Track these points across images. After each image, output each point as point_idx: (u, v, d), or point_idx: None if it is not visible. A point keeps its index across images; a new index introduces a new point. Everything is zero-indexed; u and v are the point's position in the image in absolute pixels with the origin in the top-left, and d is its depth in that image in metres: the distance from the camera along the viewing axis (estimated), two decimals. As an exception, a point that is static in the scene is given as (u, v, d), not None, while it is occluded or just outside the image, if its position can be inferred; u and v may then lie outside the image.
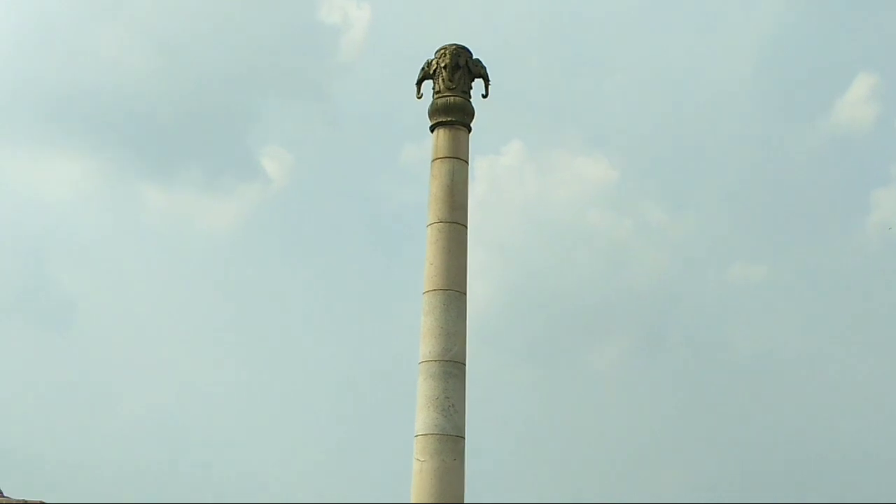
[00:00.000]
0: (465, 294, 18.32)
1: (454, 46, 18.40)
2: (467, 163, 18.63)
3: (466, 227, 18.45)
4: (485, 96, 18.74)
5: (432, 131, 18.48)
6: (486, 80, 18.66)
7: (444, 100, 18.24)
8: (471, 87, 18.49)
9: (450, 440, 17.32)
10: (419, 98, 18.71)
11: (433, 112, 18.39)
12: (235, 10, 59.72)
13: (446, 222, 18.08)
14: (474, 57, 18.52)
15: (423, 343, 17.89)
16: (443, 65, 18.28)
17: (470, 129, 18.53)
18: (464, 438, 17.68)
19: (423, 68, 18.61)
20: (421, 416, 17.49)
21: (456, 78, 18.27)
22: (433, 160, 18.49)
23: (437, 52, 18.51)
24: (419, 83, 18.68)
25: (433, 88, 18.44)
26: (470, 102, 18.45)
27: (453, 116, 18.22)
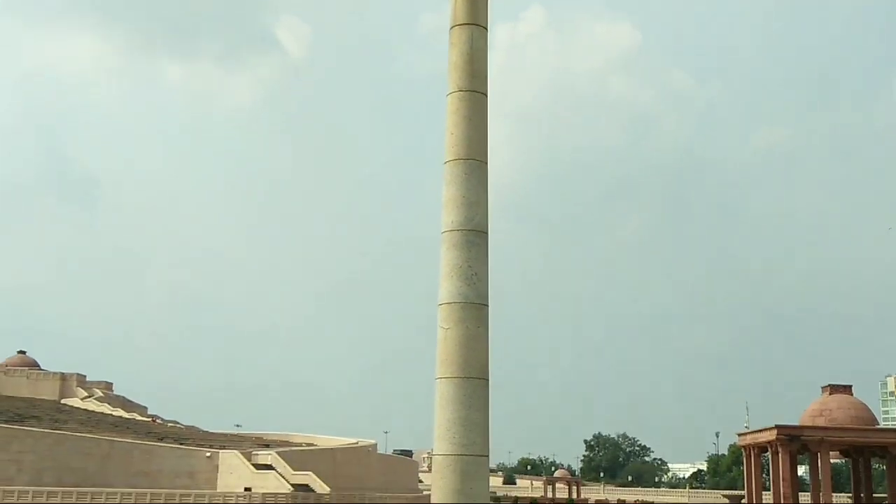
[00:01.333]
0: (486, 163, 18.25)
1: None
2: (486, 29, 18.29)
3: (486, 96, 18.24)
4: (503, -41, 18.20)
5: (450, -3, 18.09)
6: (505, -57, 18.10)
7: (462, -36, 17.80)
8: (489, -50, 18.01)
9: (473, 308, 17.54)
10: (436, -37, 18.24)
11: (451, -24, 17.97)
12: None
13: (466, 91, 17.88)
14: (492, -82, 17.96)
15: (445, 212, 17.94)
16: (460, -72, 17.76)
17: (489, -5, 18.14)
18: (487, 306, 17.90)
19: (439, -68, 18.06)
20: (445, 285, 17.69)
21: (473, -60, 17.77)
22: (452, 27, 18.14)
23: (453, -87, 17.95)
24: (436, -53, 18.19)
25: (451, -48, 17.96)
26: (488, -34, 18.00)
27: (471, -19, 17.82)
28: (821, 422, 38.95)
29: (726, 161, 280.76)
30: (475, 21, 17.99)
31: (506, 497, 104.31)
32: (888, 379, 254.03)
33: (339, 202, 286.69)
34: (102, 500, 51.50)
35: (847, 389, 40.88)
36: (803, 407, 41.35)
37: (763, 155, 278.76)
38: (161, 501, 51.91)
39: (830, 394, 40.59)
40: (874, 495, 45.60)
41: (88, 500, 51.54)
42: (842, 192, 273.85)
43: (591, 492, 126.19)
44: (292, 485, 60.33)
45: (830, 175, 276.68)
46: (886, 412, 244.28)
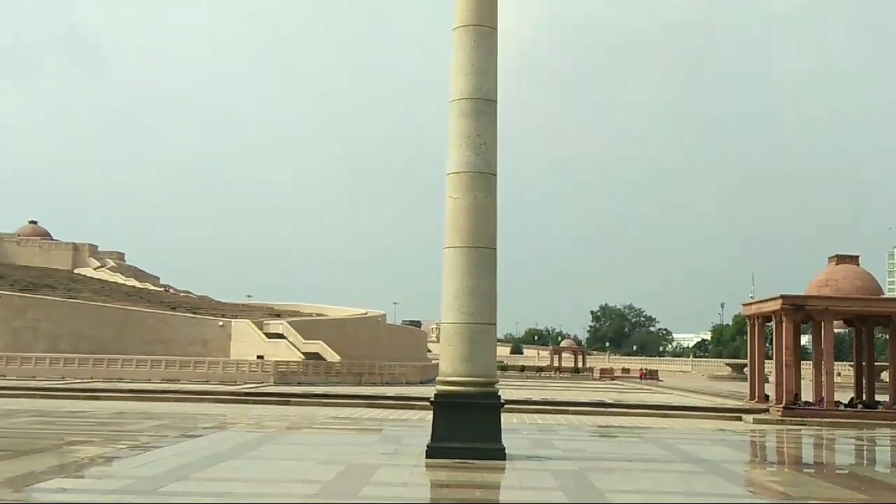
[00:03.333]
0: (496, 29, 17.95)
1: None
2: None
3: (496, -41, 17.83)
4: None
5: None
6: None
7: None
8: None
9: (482, 177, 17.54)
10: None
11: None
12: None
13: (475, -46, 17.47)
14: None
15: (453, 81, 17.75)
16: None
17: None
18: (495, 175, 17.89)
19: None
20: (453, 154, 17.64)
21: None
22: None
23: None
24: None
25: None
26: None
27: None
28: (826, 292, 39.28)
29: (740, 21, 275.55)
30: None
31: (513, 366, 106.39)
32: (895, 250, 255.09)
33: (350, 63, 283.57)
34: (119, 367, 52.68)
35: (854, 260, 41.05)
36: (810, 278, 41.64)
37: (779, 19, 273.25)
38: (176, 368, 53.07)
39: (837, 264, 40.79)
40: (875, 364, 46.36)
41: (105, 367, 52.72)
42: (859, 50, 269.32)
43: (597, 361, 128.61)
44: (303, 353, 61.52)
45: (847, 39, 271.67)
46: (892, 283, 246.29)
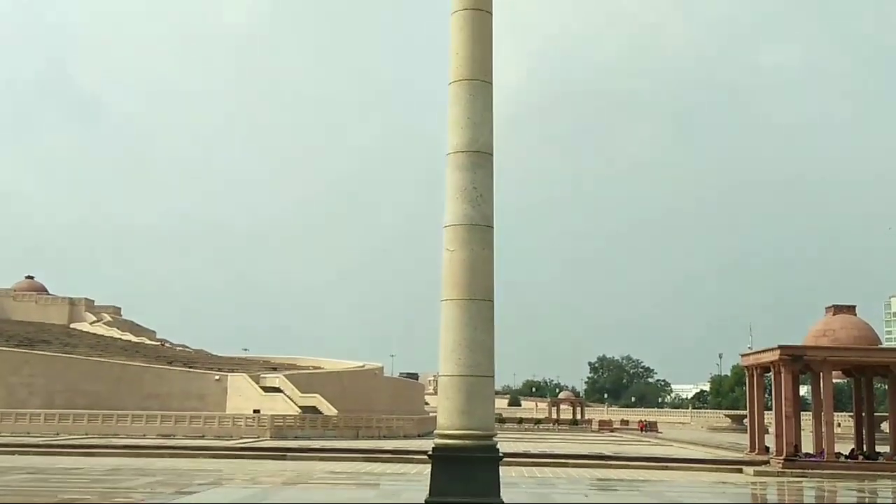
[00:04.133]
0: (491, 83, 18.08)
1: None
2: (490, -56, 17.97)
3: (491, 14, 17.99)
4: None
5: (453, -89, 17.72)
6: None
7: None
8: None
9: (479, 230, 17.55)
10: None
11: None
12: None
13: (471, 9, 17.64)
14: None
15: (450, 134, 17.84)
16: None
17: None
18: (492, 228, 17.91)
19: None
20: (450, 207, 17.67)
21: None
22: (455, -56, 17.83)
23: None
24: None
25: None
26: None
27: None
28: (824, 342, 39.21)
29: (735, 73, 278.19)
30: (479, -63, 17.65)
31: (511, 418, 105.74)
32: (892, 299, 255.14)
33: (346, 121, 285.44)
34: (114, 423, 52.31)
35: (851, 310, 41.05)
36: (808, 328, 41.60)
37: (773, 68, 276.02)
38: (172, 423, 52.71)
39: (834, 314, 40.78)
40: (875, 414, 46.14)
41: (100, 423, 52.34)
42: (850, 103, 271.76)
43: (595, 413, 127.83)
44: (300, 407, 61.14)
45: (839, 86, 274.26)
46: (890, 332, 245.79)
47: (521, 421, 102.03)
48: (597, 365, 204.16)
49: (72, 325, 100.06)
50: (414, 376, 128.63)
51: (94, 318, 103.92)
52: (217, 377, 66.34)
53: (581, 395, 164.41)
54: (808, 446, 39.91)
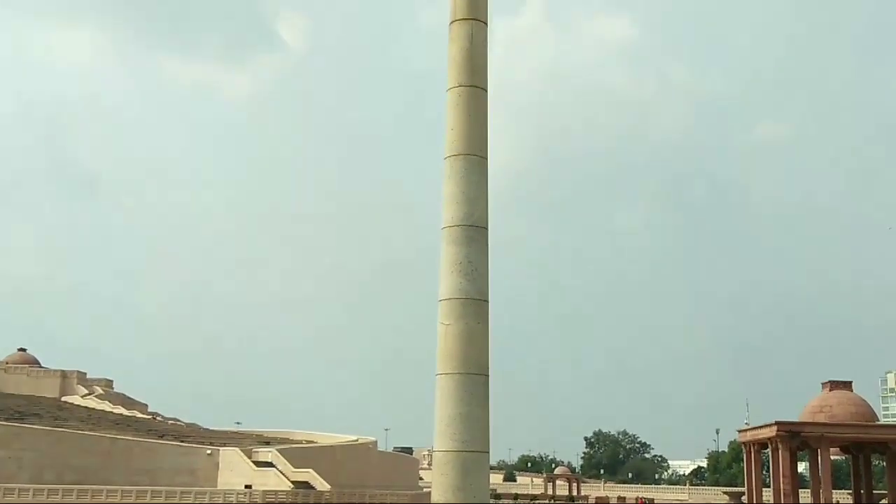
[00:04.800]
0: (486, 158, 18.23)
1: None
2: (486, 24, 18.25)
3: (486, 91, 18.22)
4: (503, -46, 18.12)
5: (450, -8, 18.05)
6: (505, -63, 18.04)
7: (461, -41, 17.76)
8: (489, -55, 17.96)
9: (473, 304, 17.52)
10: (436, -43, 18.19)
11: (450, -28, 17.93)
12: None
13: (466, 86, 17.85)
14: (491, -90, 17.92)
15: (445, 208, 17.92)
16: (459, -78, 17.72)
17: (488, -11, 18.10)
18: (487, 301, 17.88)
19: (439, -73, 18.01)
20: (445, 281, 17.67)
21: (473, -65, 17.73)
22: (451, 22, 18.11)
23: None
24: (435, -58, 18.13)
25: (450, -52, 17.92)
26: (488, -39, 17.95)
27: (471, -24, 17.77)
28: (821, 418, 38.95)
29: (726, 154, 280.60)
30: (475, 16, 17.96)
31: (506, 494, 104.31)
32: (888, 375, 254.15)
33: (337, 197, 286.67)
34: (103, 499, 51.52)
35: (847, 386, 40.88)
36: (804, 404, 41.36)
37: (764, 149, 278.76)
38: (162, 499, 51.92)
39: (831, 390, 40.61)
40: (874, 492, 45.60)
41: (89, 499, 51.55)
42: (843, 186, 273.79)
43: (592, 489, 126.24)
44: (293, 482, 60.34)
45: (832, 169, 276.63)
46: (886, 408, 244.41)
47: (516, 497, 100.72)
48: (593, 440, 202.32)
49: (63, 398, 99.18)
50: (408, 451, 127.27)
51: (86, 391, 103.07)
52: (209, 451, 65.56)
53: (577, 470, 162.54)
54: (807, 524, 39.43)
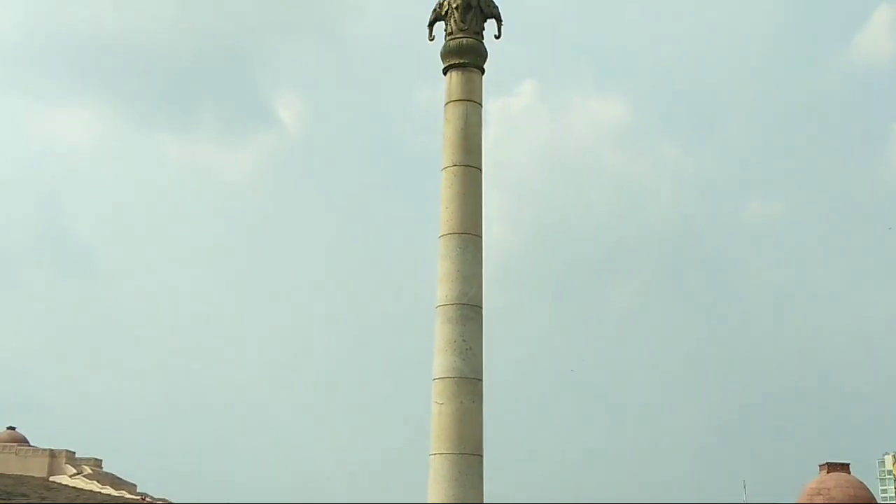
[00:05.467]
0: (481, 237, 18.27)
1: (466, -14, 18.11)
2: (481, 105, 18.43)
3: (481, 171, 18.32)
4: (497, 37, 18.38)
5: (445, 74, 18.26)
6: (499, 21, 18.31)
7: (456, 41, 18.00)
8: (483, 28, 18.20)
9: (468, 383, 17.39)
10: (431, 40, 18.43)
11: (446, 54, 18.15)
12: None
13: (461, 166, 17.97)
14: (487, -3, 18.24)
15: (440, 287, 17.90)
16: (455, 5, 17.98)
17: (483, 71, 18.30)
18: (482, 380, 17.75)
19: (434, 10, 18.30)
20: (439, 360, 17.56)
21: (468, 19, 18.00)
22: (446, 103, 18.29)
23: (448, -8, 18.22)
24: (431, 25, 18.39)
25: (445, 30, 18.17)
26: (482, 44, 18.18)
27: (466, 58, 18.00)
28: (819, 500, 38.47)
29: (719, 232, 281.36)
30: (470, 97, 18.15)
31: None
32: (886, 457, 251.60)
33: (333, 275, 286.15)
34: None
35: (845, 468, 40.45)
36: (801, 485, 40.88)
37: (756, 226, 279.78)
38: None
39: (828, 472, 40.17)
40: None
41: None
42: (836, 262, 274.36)
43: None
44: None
45: (824, 246, 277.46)
46: (885, 491, 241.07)
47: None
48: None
49: (51, 478, 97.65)
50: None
51: (74, 471, 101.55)
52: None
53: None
54: None
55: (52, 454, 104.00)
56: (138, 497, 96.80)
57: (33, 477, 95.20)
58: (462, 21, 17.99)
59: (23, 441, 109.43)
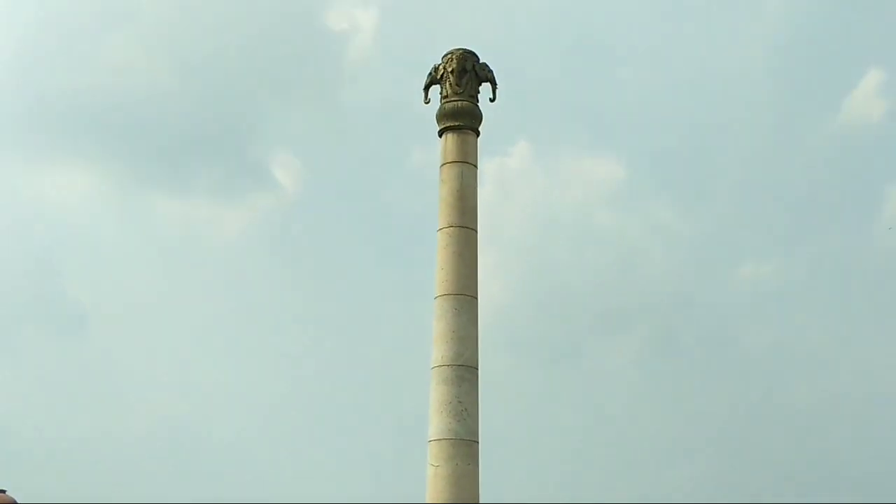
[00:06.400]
0: (477, 298, 18.26)
1: (461, 51, 18.36)
2: (476, 167, 18.58)
3: (476, 231, 18.38)
4: (492, 100, 18.61)
5: (440, 136, 18.44)
6: (494, 84, 18.56)
7: (451, 104, 18.21)
8: (478, 92, 18.44)
9: (464, 444, 17.28)
10: (427, 103, 18.66)
11: (441, 117, 18.36)
12: (242, 18, 59.86)
13: (456, 227, 18.04)
14: (481, 61, 18.46)
15: (435, 348, 17.85)
16: (450, 69, 18.24)
17: (478, 133, 18.50)
18: (478, 442, 17.64)
19: (430, 73, 18.55)
20: (434, 421, 17.46)
21: (463, 82, 18.24)
22: (442, 165, 18.44)
23: (444, 56, 18.46)
24: (427, 88, 18.63)
25: (441, 93, 18.40)
26: (478, 106, 18.40)
27: (461, 121, 18.20)
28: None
29: (715, 295, 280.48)
30: (465, 159, 18.30)
31: None
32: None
33: (327, 335, 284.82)
34: None
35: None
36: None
37: (752, 289, 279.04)
38: None
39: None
40: None
41: None
42: (835, 324, 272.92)
43: None
44: None
45: (822, 308, 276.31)
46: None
47: None
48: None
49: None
50: None
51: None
52: None
53: None
54: None
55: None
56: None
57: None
58: (457, 85, 18.22)
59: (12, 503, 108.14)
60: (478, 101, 18.47)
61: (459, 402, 17.41)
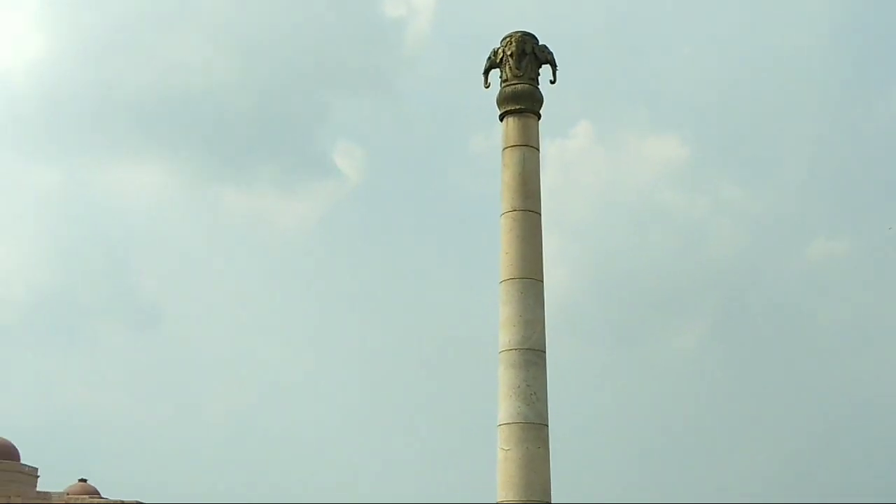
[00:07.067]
0: (542, 281, 18.20)
1: (520, 34, 18.24)
2: (538, 150, 18.47)
3: (540, 215, 18.29)
4: (553, 82, 18.47)
5: (501, 120, 18.38)
6: (554, 66, 18.41)
7: (511, 88, 18.12)
8: (538, 74, 18.31)
9: (533, 428, 17.26)
10: (487, 87, 18.57)
11: (502, 101, 18.28)
12: (300, 10, 60.35)
13: (520, 210, 17.97)
14: (540, 43, 18.32)
15: (502, 332, 17.85)
16: (509, 53, 18.14)
17: (539, 116, 18.37)
18: (547, 426, 17.60)
19: (489, 57, 18.47)
20: (503, 406, 17.46)
21: (523, 65, 18.13)
22: (504, 149, 18.37)
23: (502, 40, 18.37)
24: (486, 72, 18.54)
25: (500, 77, 18.32)
26: (538, 89, 18.28)
27: (522, 104, 18.10)
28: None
29: (783, 272, 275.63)
30: (527, 142, 18.20)
31: None
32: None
33: (393, 323, 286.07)
34: None
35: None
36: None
37: (821, 266, 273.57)
38: None
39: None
40: None
41: None
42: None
43: None
44: None
45: (892, 284, 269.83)
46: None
47: None
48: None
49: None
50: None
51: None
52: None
53: None
54: None
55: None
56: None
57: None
58: (517, 68, 18.11)
59: (95, 493, 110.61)
60: (538, 83, 18.34)
61: (528, 385, 17.39)
